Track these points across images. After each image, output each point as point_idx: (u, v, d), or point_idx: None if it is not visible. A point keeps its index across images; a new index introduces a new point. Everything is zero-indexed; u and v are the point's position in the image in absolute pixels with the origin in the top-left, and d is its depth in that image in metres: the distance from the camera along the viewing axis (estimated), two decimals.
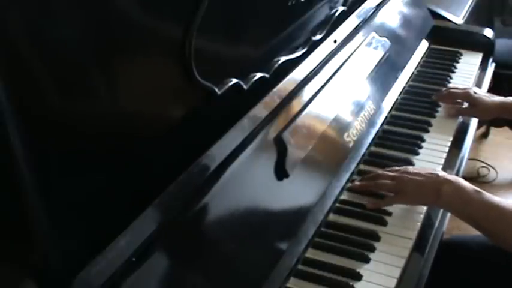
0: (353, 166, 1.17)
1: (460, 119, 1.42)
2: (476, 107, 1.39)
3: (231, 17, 0.93)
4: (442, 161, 1.25)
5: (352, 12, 1.36)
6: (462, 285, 1.17)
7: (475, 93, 1.40)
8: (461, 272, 1.17)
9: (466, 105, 1.42)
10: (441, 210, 1.11)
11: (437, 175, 1.05)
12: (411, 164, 1.22)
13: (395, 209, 1.09)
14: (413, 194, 1.06)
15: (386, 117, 1.36)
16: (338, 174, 1.11)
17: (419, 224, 1.07)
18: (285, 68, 1.07)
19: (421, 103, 1.45)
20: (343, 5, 1.32)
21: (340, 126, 1.15)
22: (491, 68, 1.69)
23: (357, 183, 1.12)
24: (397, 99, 1.44)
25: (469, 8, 2.00)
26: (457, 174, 1.24)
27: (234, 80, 0.92)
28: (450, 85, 1.52)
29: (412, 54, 1.59)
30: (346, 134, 1.15)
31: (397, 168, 1.13)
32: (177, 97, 0.84)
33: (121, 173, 0.73)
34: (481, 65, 1.67)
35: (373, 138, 1.27)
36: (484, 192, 1.01)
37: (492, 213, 0.99)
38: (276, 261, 0.90)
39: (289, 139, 0.98)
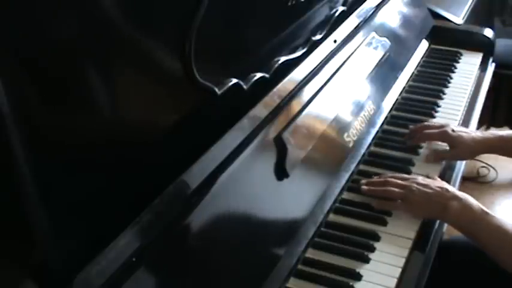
0: (353, 166, 1.17)
1: (460, 116, 1.42)
2: (456, 148, 1.24)
3: (231, 17, 0.93)
4: (442, 161, 1.25)
5: (352, 12, 1.36)
6: (462, 285, 1.17)
7: (453, 131, 1.24)
8: (460, 272, 1.17)
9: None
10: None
11: (447, 189, 1.05)
12: (412, 163, 1.22)
13: None
14: (419, 205, 1.06)
15: (386, 117, 1.36)
16: (338, 174, 1.11)
17: (419, 224, 1.07)
18: (285, 68, 1.07)
19: (421, 103, 1.45)
20: (343, 5, 1.32)
21: (340, 126, 1.15)
22: (491, 68, 1.68)
23: (364, 187, 1.12)
24: (397, 99, 1.44)
25: (469, 8, 2.00)
26: (457, 175, 1.24)
27: (234, 80, 0.92)
28: (426, 122, 1.34)
29: (412, 54, 1.59)
30: (346, 134, 1.15)
31: (406, 176, 1.13)
32: (177, 97, 0.84)
33: (121, 173, 0.73)
34: (481, 65, 1.67)
35: (373, 138, 1.27)
36: (490, 212, 1.01)
37: (496, 234, 0.99)
38: (276, 261, 0.90)
39: (289, 139, 0.98)
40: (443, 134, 1.26)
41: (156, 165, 0.77)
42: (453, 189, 1.07)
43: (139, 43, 0.73)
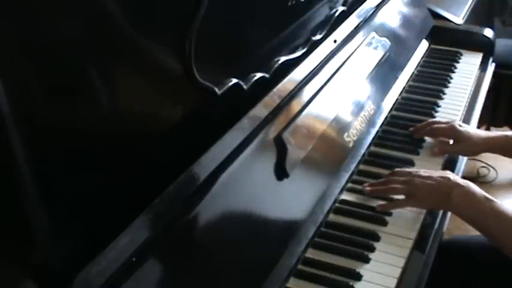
0: (353, 166, 1.17)
1: (460, 116, 1.42)
2: (462, 143, 1.26)
3: (231, 17, 0.93)
4: (442, 161, 1.25)
5: (352, 12, 1.36)
6: (462, 285, 1.17)
7: (460, 126, 1.27)
8: (461, 272, 1.17)
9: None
10: (441, 210, 1.11)
11: (449, 178, 1.05)
12: (412, 163, 1.22)
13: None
14: (424, 197, 1.06)
15: (386, 117, 1.36)
16: (338, 174, 1.11)
17: (419, 224, 1.07)
18: (285, 68, 1.07)
19: (421, 103, 1.45)
20: (343, 5, 1.32)
21: (340, 126, 1.15)
22: (491, 68, 1.68)
23: (367, 188, 1.12)
24: (397, 99, 1.44)
25: (469, 8, 2.00)
26: (457, 175, 1.24)
27: (234, 80, 0.92)
28: (431, 119, 1.36)
29: (412, 54, 1.59)
30: (346, 134, 1.15)
31: (408, 170, 1.13)
32: (177, 97, 0.84)
33: (121, 173, 0.73)
34: (481, 65, 1.67)
35: (373, 138, 1.27)
36: (494, 199, 1.01)
37: (500, 220, 0.99)
38: (276, 261, 0.90)
39: (289, 139, 0.98)
40: (451, 129, 1.27)
41: (156, 165, 0.77)
42: (455, 177, 1.07)
43: (140, 43, 0.73)
